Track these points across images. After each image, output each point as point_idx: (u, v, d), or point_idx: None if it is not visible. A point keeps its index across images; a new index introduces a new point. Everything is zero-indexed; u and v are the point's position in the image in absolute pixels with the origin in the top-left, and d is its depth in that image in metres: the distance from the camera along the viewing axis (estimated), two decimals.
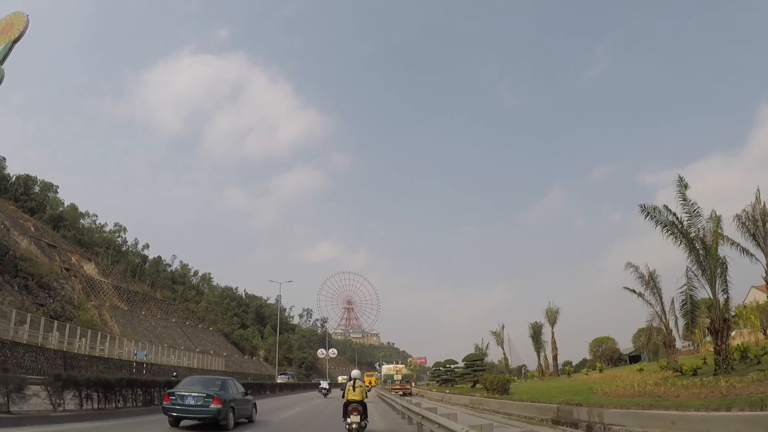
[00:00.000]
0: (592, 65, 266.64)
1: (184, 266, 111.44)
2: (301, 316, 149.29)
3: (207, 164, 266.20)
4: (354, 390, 12.08)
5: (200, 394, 12.60)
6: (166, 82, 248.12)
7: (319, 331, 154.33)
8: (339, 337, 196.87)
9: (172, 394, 12.83)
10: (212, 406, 12.44)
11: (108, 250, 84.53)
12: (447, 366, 60.36)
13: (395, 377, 50.75)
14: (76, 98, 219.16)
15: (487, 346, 69.67)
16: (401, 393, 38.69)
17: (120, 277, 78.77)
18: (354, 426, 11.60)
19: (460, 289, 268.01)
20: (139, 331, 62.86)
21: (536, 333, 63.23)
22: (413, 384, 55.84)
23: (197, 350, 66.80)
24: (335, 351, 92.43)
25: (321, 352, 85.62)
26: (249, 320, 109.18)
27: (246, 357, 78.61)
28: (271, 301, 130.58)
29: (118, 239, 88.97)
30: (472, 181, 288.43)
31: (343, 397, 12.38)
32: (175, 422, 13.03)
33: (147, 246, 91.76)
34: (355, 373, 12.94)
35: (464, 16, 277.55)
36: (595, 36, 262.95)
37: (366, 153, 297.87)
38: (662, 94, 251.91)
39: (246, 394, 15.63)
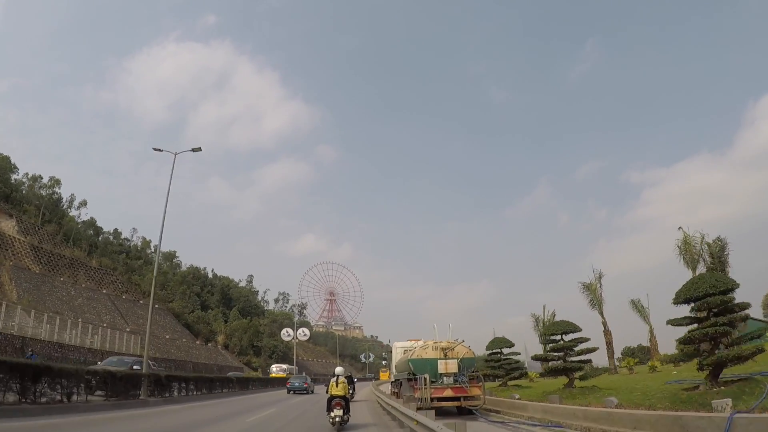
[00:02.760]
0: (580, 62, 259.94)
1: (145, 241, 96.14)
2: (276, 300, 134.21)
3: (190, 155, 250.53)
4: (337, 386, 12.80)
5: None
6: (149, 70, 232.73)
7: (296, 319, 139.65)
8: (321, 329, 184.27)
9: None
10: None
11: (40, 210, 69.39)
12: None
13: (443, 367, 17.41)
14: (58, 87, 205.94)
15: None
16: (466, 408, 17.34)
17: (47, 239, 63.55)
18: (337, 419, 12.48)
19: (444, 286, 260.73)
20: (48, 300, 47.92)
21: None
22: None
23: (127, 329, 51.99)
24: (306, 331, 74.59)
25: (286, 333, 69.06)
26: (213, 302, 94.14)
27: (198, 342, 63.91)
28: (243, 284, 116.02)
29: (53, 195, 73.37)
30: (456, 177, 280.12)
31: (327, 392, 13.25)
32: None
33: (84, 204, 76.00)
34: (338, 370, 13.72)
35: (452, 9, 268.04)
36: (585, 32, 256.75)
37: (352, 146, 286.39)
38: (650, 92, 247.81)
39: None
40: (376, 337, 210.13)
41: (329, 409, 12.69)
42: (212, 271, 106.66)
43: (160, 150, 27.10)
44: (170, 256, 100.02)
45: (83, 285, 56.75)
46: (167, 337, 57.08)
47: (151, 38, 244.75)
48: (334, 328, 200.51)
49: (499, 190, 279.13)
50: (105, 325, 49.34)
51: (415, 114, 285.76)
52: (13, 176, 74.84)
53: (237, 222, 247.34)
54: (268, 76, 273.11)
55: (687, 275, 25.84)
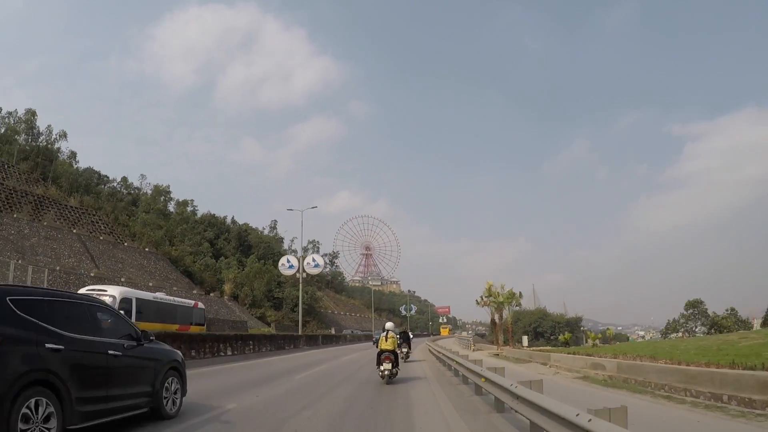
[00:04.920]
0: (619, 5, 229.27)
1: (157, 189, 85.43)
2: (306, 249, 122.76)
3: (222, 118, 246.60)
4: (387, 340, 13.26)
5: None
6: (174, 35, 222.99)
7: (328, 269, 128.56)
8: (356, 284, 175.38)
9: None
10: None
11: (12, 146, 59.06)
12: None
13: None
14: (84, 62, 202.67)
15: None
16: None
17: (16, 178, 53.15)
18: (386, 372, 12.88)
19: (480, 241, 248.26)
20: None
21: None
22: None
23: (91, 274, 41.03)
24: (319, 261, 53.52)
25: (287, 263, 50.90)
26: (229, 249, 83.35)
27: (196, 292, 52.93)
28: (266, 231, 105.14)
29: (31, 130, 62.74)
30: (492, 130, 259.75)
31: (375, 346, 15.10)
32: None
33: (64, 135, 65.02)
34: (389, 325, 14.19)
35: None
36: None
37: (384, 101, 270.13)
38: (692, 40, 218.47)
39: None
40: (414, 292, 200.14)
41: (379, 362, 13.16)
42: (232, 218, 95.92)
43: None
44: (183, 204, 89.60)
45: (45, 224, 45.95)
46: (150, 284, 46.08)
47: (173, 3, 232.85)
48: (370, 282, 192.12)
49: (536, 145, 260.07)
50: (58, 268, 38.36)
51: (449, 66, 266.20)
52: None
53: (270, 182, 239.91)
54: (295, 33, 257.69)
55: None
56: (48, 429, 4.70)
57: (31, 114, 64.03)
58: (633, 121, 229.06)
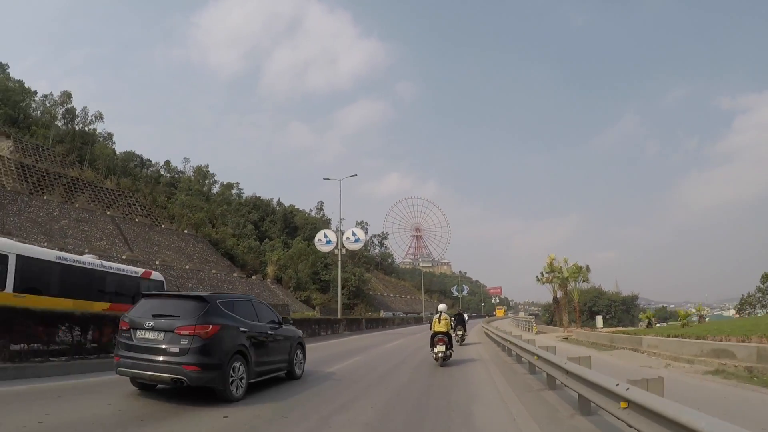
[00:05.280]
0: None
1: (200, 170, 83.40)
2: (342, 224, 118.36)
3: (269, 103, 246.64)
4: (440, 322, 13.25)
5: None
6: (218, 22, 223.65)
7: (377, 251, 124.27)
8: (407, 266, 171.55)
9: None
10: None
11: (49, 129, 57.27)
12: None
13: None
14: (130, 51, 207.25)
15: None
16: None
17: (51, 160, 51.01)
18: (440, 354, 12.83)
19: (530, 221, 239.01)
20: (11, 222, 34.34)
21: None
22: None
23: (123, 257, 37.60)
24: (360, 234, 47.20)
25: (321, 238, 44.14)
26: (274, 231, 79.96)
27: (236, 275, 49.22)
28: (313, 213, 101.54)
29: (60, 110, 60.77)
30: (540, 106, 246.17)
31: (430, 329, 13.49)
32: None
33: (100, 117, 62.61)
34: (441, 307, 13.96)
35: None
36: None
37: (432, 81, 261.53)
38: (738, 8, 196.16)
39: None
40: (465, 273, 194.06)
41: (432, 345, 13.10)
42: (278, 200, 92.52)
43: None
44: (228, 187, 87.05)
45: (77, 206, 43.09)
46: (187, 267, 42.47)
47: None
48: (421, 264, 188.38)
49: (585, 120, 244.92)
50: (87, 250, 35.09)
51: (494, 43, 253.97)
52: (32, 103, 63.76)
53: (320, 165, 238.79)
54: (340, 16, 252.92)
55: None
56: (241, 379, 7.56)
57: (67, 96, 62.07)
58: (683, 93, 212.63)
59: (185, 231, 52.46)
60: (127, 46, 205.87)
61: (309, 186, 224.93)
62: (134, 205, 51.58)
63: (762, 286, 62.99)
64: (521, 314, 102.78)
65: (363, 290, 76.39)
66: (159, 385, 7.70)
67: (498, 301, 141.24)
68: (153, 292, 12.29)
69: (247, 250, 63.01)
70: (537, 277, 45.75)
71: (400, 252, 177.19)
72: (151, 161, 75.09)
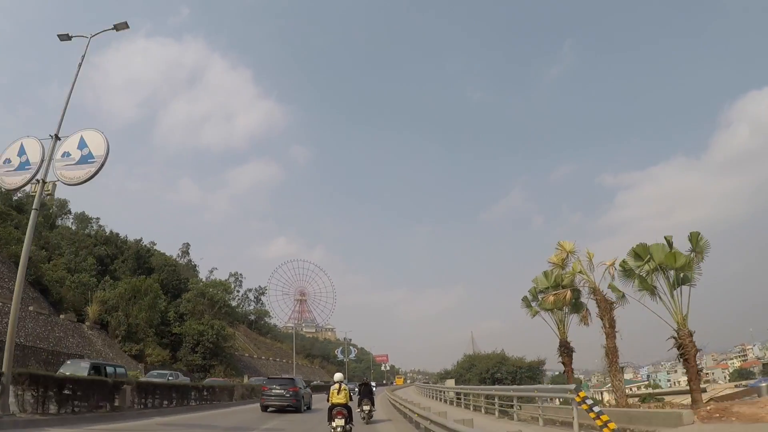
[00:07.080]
0: (557, 62, 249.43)
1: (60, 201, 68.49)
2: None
3: (160, 156, 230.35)
4: (338, 393, 12.17)
5: None
6: (119, 66, 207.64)
7: (251, 306, 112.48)
8: (290, 331, 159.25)
9: None
10: None
11: None
12: None
13: None
14: (25, 86, 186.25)
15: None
16: None
17: None
18: (339, 429, 11.62)
19: (417, 290, 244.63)
20: None
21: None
22: None
23: None
24: (93, 149, 14.97)
25: (13, 151, 13.26)
26: (124, 270, 66.39)
27: (32, 309, 37.10)
28: (179, 259, 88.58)
29: None
30: (430, 179, 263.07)
31: (327, 401, 12.51)
32: None
33: None
34: (338, 376, 13.02)
35: (429, 7, 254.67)
36: (562, 33, 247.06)
37: (326, 147, 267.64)
38: (625, 95, 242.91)
39: None
40: (350, 339, 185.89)
41: (330, 418, 12.09)
42: (134, 238, 78.44)
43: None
44: (63, 204, 72.14)
45: None
46: None
47: (120, 33, 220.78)
48: (304, 329, 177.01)
49: (474, 194, 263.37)
50: None
51: (391, 114, 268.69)
52: None
53: (207, 224, 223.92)
54: (241, 73, 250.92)
55: None
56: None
57: None
58: (569, 170, 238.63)
59: None
60: (24, 80, 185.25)
61: (197, 244, 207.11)
62: None
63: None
64: (449, 381, 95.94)
65: (224, 348, 64.58)
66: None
67: (388, 368, 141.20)
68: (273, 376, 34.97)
69: (76, 285, 50.14)
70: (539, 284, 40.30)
71: (283, 316, 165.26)
72: None
